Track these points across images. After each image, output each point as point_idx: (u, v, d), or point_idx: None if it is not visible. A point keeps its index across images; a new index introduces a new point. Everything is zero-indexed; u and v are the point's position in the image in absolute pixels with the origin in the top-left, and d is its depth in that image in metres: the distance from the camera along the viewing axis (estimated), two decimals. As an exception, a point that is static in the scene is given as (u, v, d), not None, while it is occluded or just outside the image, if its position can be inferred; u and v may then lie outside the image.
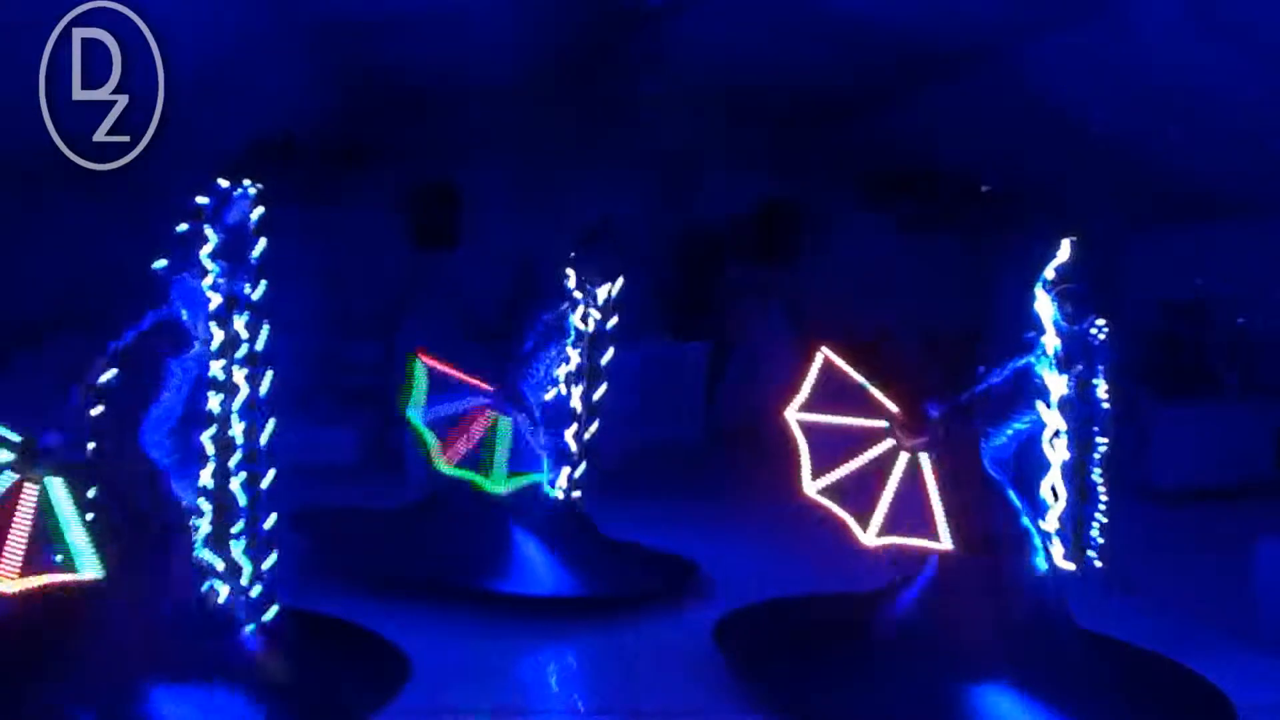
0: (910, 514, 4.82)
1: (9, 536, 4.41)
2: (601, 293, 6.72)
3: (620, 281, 6.77)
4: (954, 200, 12.92)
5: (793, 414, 4.98)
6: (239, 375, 4.68)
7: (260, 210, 4.76)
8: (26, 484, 4.48)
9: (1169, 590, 7.05)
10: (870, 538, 4.81)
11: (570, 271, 6.67)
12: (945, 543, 4.78)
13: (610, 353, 6.79)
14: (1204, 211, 10.32)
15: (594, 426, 6.78)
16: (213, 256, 4.62)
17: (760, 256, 13.66)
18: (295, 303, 13.05)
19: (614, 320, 6.79)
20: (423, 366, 6.54)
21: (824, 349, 5.05)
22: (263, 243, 4.76)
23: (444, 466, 6.40)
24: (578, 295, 6.65)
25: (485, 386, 6.62)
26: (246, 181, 4.72)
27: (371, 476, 10.35)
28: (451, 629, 6.11)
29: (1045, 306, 5.01)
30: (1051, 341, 4.93)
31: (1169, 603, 6.85)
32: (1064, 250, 4.99)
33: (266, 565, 4.80)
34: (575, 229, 6.96)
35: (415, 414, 6.48)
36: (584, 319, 6.65)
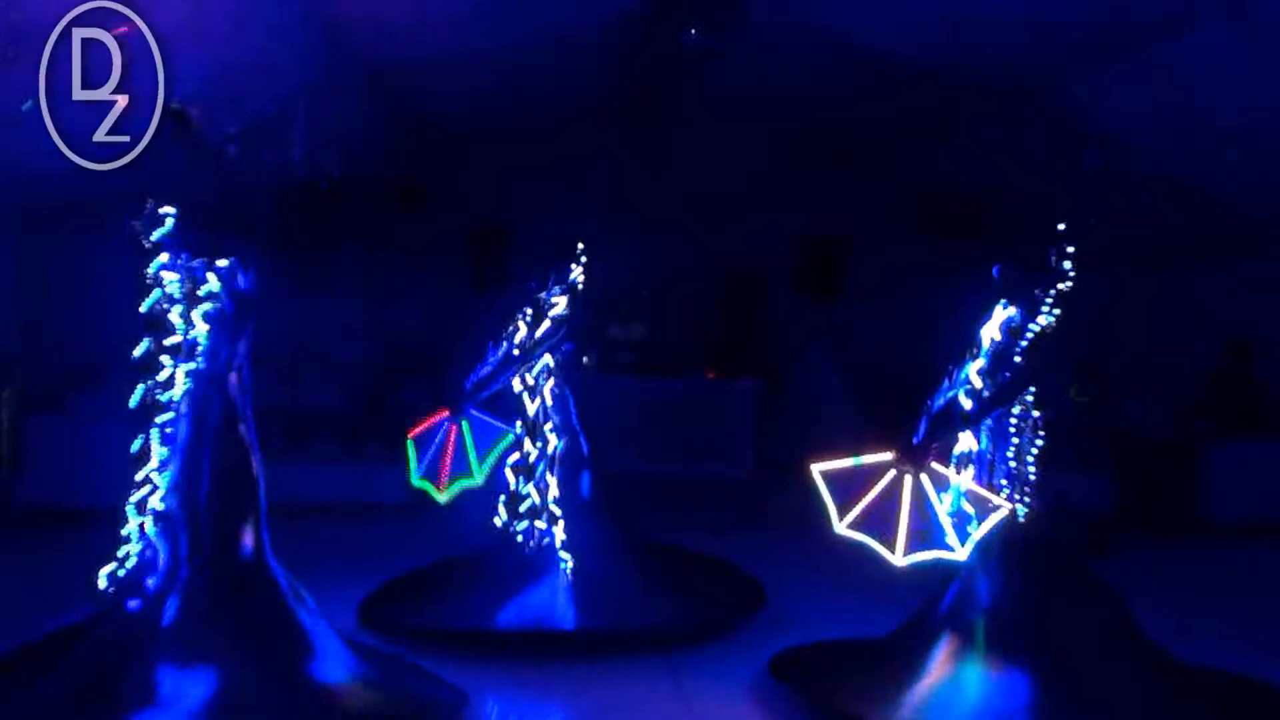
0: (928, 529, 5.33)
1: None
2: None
3: None
4: (998, 236, 12.87)
5: (841, 528, 5.35)
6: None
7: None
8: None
9: (1225, 624, 6.94)
10: (899, 558, 5.24)
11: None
12: (959, 551, 5.29)
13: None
14: (1255, 246, 10.27)
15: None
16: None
17: (806, 294, 13.66)
18: (347, 343, 13.13)
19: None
20: (410, 442, 6.86)
21: (815, 469, 5.41)
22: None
23: (442, 496, 6.65)
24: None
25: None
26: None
27: (419, 516, 10.38)
28: (505, 672, 6.15)
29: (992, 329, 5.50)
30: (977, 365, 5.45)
31: (1225, 635, 6.73)
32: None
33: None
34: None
35: (417, 479, 6.79)
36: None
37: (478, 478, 6.61)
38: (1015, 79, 9.35)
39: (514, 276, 12.81)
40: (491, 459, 6.66)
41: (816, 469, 5.33)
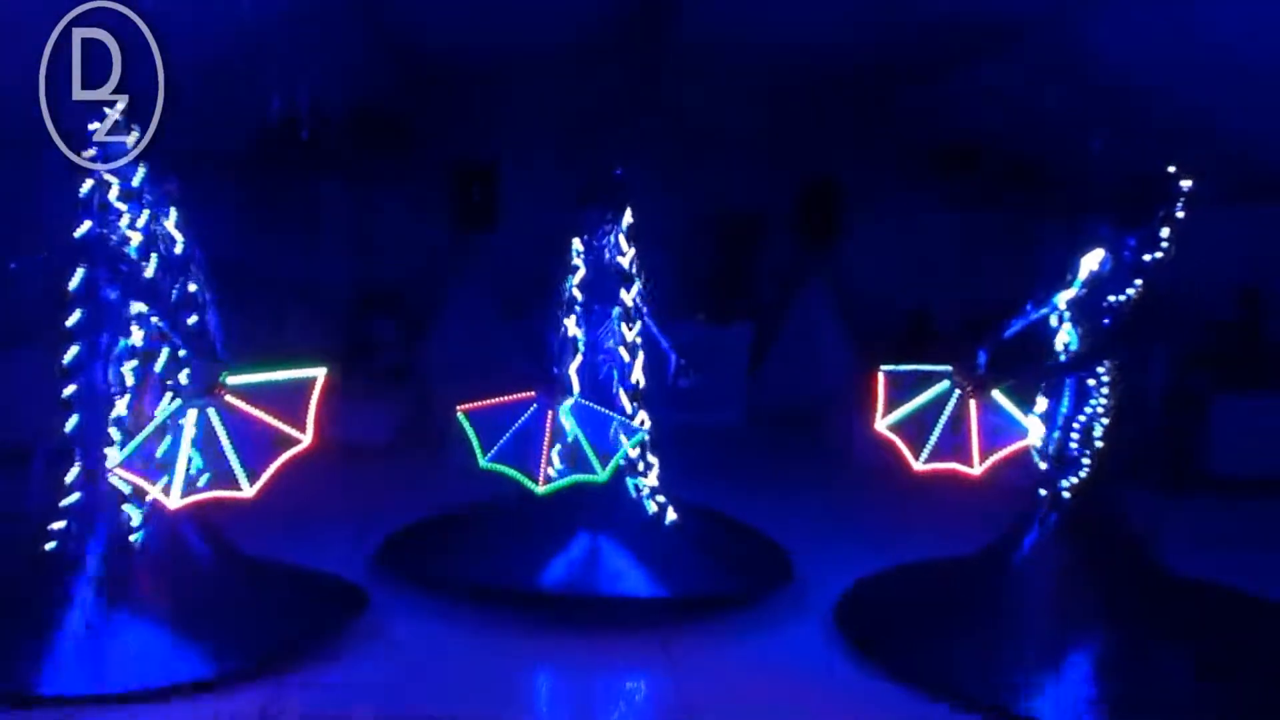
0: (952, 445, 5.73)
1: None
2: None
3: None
4: (999, 177, 12.63)
5: (881, 425, 5.71)
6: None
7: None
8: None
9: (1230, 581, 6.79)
10: (919, 464, 5.69)
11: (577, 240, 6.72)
12: (977, 469, 5.67)
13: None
14: (1268, 193, 10.01)
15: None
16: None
17: (801, 235, 13.37)
18: (328, 279, 12.92)
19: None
20: (465, 417, 6.34)
21: (881, 371, 5.76)
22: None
23: (541, 489, 6.15)
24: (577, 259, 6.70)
25: (528, 395, 6.39)
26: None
27: (407, 456, 10.24)
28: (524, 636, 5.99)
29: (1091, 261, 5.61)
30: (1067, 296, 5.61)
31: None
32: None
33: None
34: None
35: (488, 462, 6.28)
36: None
37: (602, 475, 6.16)
38: (1020, 15, 9.12)
39: (503, 216, 12.59)
40: (621, 456, 6.21)
41: (884, 370, 5.72)
